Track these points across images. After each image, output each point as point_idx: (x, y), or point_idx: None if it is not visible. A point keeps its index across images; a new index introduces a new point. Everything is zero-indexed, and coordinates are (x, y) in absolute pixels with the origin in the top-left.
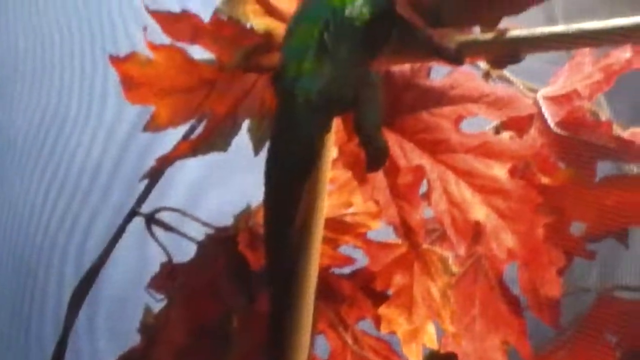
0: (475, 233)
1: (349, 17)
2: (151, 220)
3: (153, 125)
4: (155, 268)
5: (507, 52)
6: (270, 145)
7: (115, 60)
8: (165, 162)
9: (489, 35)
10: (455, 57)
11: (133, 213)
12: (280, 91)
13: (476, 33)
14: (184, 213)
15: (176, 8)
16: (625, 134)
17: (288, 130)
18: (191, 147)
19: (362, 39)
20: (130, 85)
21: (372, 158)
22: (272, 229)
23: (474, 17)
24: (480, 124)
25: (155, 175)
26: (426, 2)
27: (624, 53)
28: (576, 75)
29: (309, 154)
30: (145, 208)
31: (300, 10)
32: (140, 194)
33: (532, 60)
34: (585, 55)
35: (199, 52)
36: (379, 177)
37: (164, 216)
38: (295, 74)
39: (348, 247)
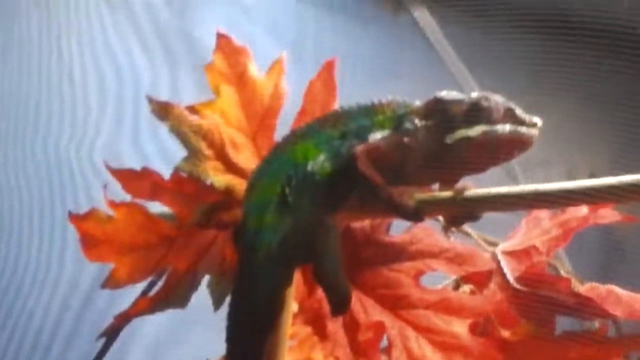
0: None
1: (311, 172)
2: None
3: (112, 283)
4: None
5: (464, 212)
6: (231, 299)
7: (75, 217)
8: (124, 319)
9: (447, 194)
10: (414, 215)
11: None
12: (241, 245)
13: (435, 191)
14: None
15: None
16: (584, 289)
17: (249, 284)
18: (150, 304)
19: (323, 193)
20: (90, 243)
21: (334, 305)
22: None
23: (435, 176)
24: (440, 275)
25: (113, 332)
26: (387, 160)
27: (580, 210)
28: (534, 230)
29: (271, 307)
30: None
31: (261, 166)
32: (98, 351)
33: None
34: (542, 210)
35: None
36: (339, 333)
37: None
38: (256, 228)
39: None
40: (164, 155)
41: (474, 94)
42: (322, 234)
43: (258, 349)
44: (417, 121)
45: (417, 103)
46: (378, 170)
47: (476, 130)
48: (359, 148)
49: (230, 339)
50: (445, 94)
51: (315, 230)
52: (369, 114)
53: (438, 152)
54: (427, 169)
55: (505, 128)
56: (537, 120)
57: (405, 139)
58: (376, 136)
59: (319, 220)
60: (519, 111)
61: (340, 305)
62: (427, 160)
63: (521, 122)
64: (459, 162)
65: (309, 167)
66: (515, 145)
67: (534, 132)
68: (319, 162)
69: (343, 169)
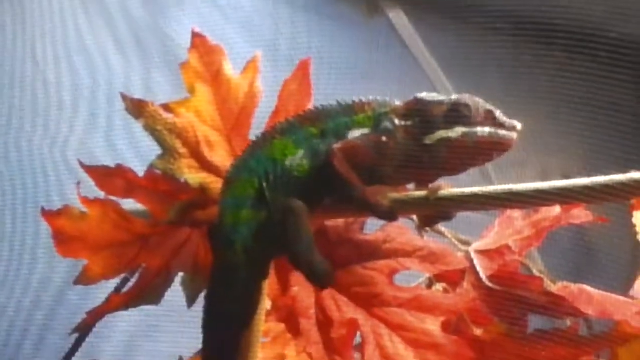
0: None
1: (289, 168)
2: None
3: (84, 279)
4: None
5: (438, 212)
6: (208, 293)
7: (47, 214)
8: (96, 316)
9: (421, 194)
10: (388, 214)
11: None
12: (218, 241)
13: (410, 190)
14: None
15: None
16: (556, 288)
17: (226, 277)
18: (123, 301)
19: (300, 190)
20: (62, 240)
21: (317, 280)
22: None
23: (413, 177)
24: (415, 274)
25: (86, 329)
26: (365, 159)
27: (553, 210)
28: (507, 229)
29: (248, 301)
30: None
31: (239, 161)
32: (69, 348)
33: None
34: (515, 210)
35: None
36: (312, 331)
37: None
38: (233, 222)
39: None
40: (138, 153)
41: (455, 96)
42: (290, 216)
43: (234, 341)
44: (396, 121)
45: (398, 103)
46: (355, 168)
47: (456, 132)
48: (336, 146)
49: (207, 333)
50: (425, 95)
51: (279, 212)
52: (350, 112)
53: (417, 152)
54: (405, 169)
55: (485, 131)
56: (517, 124)
57: (384, 138)
58: (355, 134)
59: (285, 204)
60: (499, 114)
61: (322, 278)
62: (406, 160)
63: (501, 125)
64: (437, 163)
65: (287, 164)
66: (494, 148)
67: (513, 135)
68: (297, 159)
69: (320, 167)
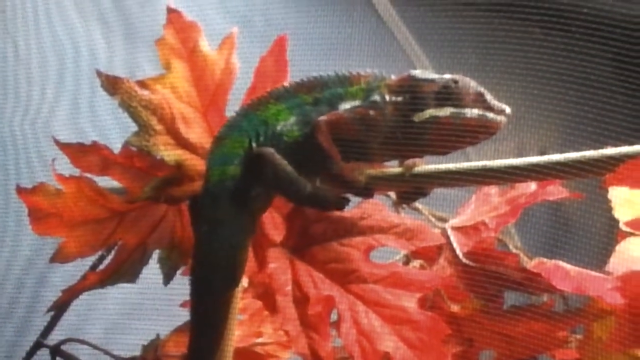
0: None
1: (279, 132)
2: (56, 352)
3: (61, 256)
4: None
5: (414, 188)
6: (195, 252)
7: (23, 191)
8: (72, 294)
9: (397, 170)
10: (364, 190)
11: (38, 344)
12: (201, 204)
13: (386, 167)
14: (90, 344)
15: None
16: (532, 264)
17: (213, 231)
18: (100, 278)
19: (288, 155)
20: (39, 217)
21: (329, 207)
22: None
23: (398, 153)
24: (392, 251)
25: (62, 306)
26: (350, 131)
27: (529, 185)
28: (483, 206)
29: (235, 257)
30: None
31: (231, 121)
32: (46, 325)
33: None
34: (491, 186)
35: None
36: (289, 308)
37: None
38: (220, 178)
39: None
40: (122, 130)
41: (447, 75)
42: (265, 164)
43: (222, 304)
44: (386, 96)
45: (393, 77)
46: (340, 141)
47: (444, 111)
48: (322, 118)
49: (195, 297)
50: (419, 72)
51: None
52: (345, 83)
53: (404, 129)
54: (391, 145)
55: (474, 112)
56: (506, 108)
57: (371, 112)
58: (346, 106)
59: (255, 152)
60: (489, 97)
61: (333, 202)
62: (392, 136)
63: (490, 108)
64: (423, 141)
65: (278, 128)
66: (481, 130)
67: (501, 119)
68: (289, 124)
69: (310, 137)
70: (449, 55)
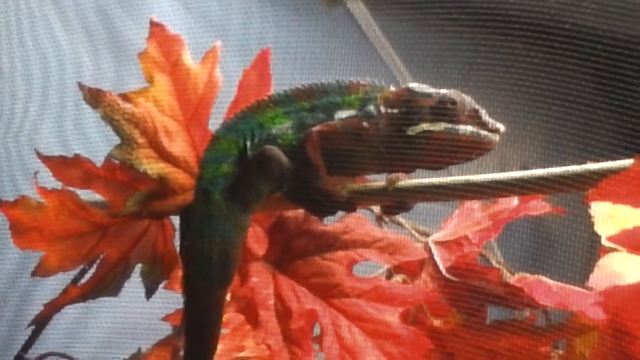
0: None
1: (274, 135)
2: None
3: (42, 270)
4: None
5: (395, 202)
6: (187, 253)
7: (4, 205)
8: (54, 308)
9: (379, 185)
10: (347, 204)
11: (19, 358)
12: (196, 193)
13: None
14: (70, 358)
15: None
16: (514, 279)
17: (206, 228)
18: (81, 292)
19: None
20: (20, 230)
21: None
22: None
23: (390, 166)
24: (374, 265)
25: (43, 320)
26: (342, 142)
27: (511, 200)
28: (466, 221)
29: (227, 253)
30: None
31: (228, 123)
32: (26, 339)
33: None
34: (474, 201)
35: None
36: (271, 322)
37: None
38: (213, 176)
39: None
40: (107, 143)
41: (444, 91)
42: (267, 161)
43: (216, 301)
44: (382, 107)
45: (392, 89)
46: (332, 151)
47: (438, 126)
48: (315, 129)
49: (188, 290)
50: (416, 85)
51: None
52: (344, 91)
53: (398, 142)
54: (383, 157)
55: (467, 129)
56: (500, 126)
57: (364, 124)
58: (342, 115)
59: (258, 152)
60: (484, 114)
61: (345, 203)
62: (385, 148)
63: (484, 126)
64: (416, 155)
65: (274, 131)
66: (474, 147)
67: (494, 137)
68: (284, 128)
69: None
70: (432, 70)
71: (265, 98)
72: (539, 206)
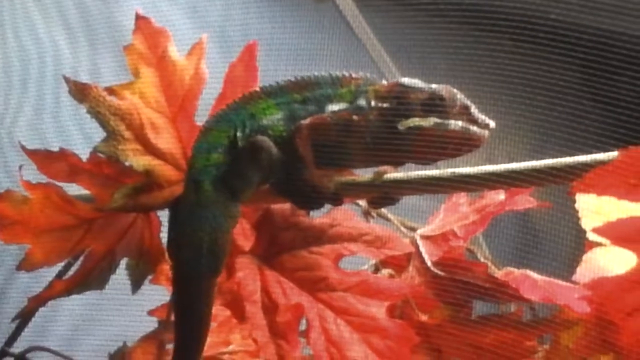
0: None
1: (265, 126)
2: None
3: (27, 264)
4: None
5: (382, 195)
6: (176, 242)
7: None
8: (39, 302)
9: (366, 178)
10: (333, 197)
11: (3, 353)
12: (186, 182)
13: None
14: (55, 353)
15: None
16: (500, 273)
17: (195, 215)
18: (66, 286)
19: None
20: (5, 224)
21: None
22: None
23: (379, 160)
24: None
25: (28, 314)
26: (332, 135)
27: (498, 195)
28: (452, 215)
29: (217, 243)
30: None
31: (220, 113)
32: (11, 333)
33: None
34: (461, 196)
35: None
36: (258, 315)
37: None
38: (203, 165)
39: None
40: (86, 137)
41: (435, 86)
42: (258, 151)
43: (205, 291)
44: (372, 101)
45: (384, 83)
46: (322, 144)
47: (428, 121)
48: (305, 121)
49: (177, 279)
50: (407, 80)
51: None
52: (336, 84)
53: (388, 136)
54: (373, 151)
55: (457, 124)
56: (491, 122)
57: (355, 117)
58: (333, 107)
59: (248, 142)
60: (474, 110)
61: (332, 196)
62: (375, 142)
63: (474, 121)
64: (405, 150)
65: (264, 122)
66: (463, 142)
67: (484, 133)
68: (275, 119)
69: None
70: (418, 63)
71: (257, 89)
72: (525, 200)
